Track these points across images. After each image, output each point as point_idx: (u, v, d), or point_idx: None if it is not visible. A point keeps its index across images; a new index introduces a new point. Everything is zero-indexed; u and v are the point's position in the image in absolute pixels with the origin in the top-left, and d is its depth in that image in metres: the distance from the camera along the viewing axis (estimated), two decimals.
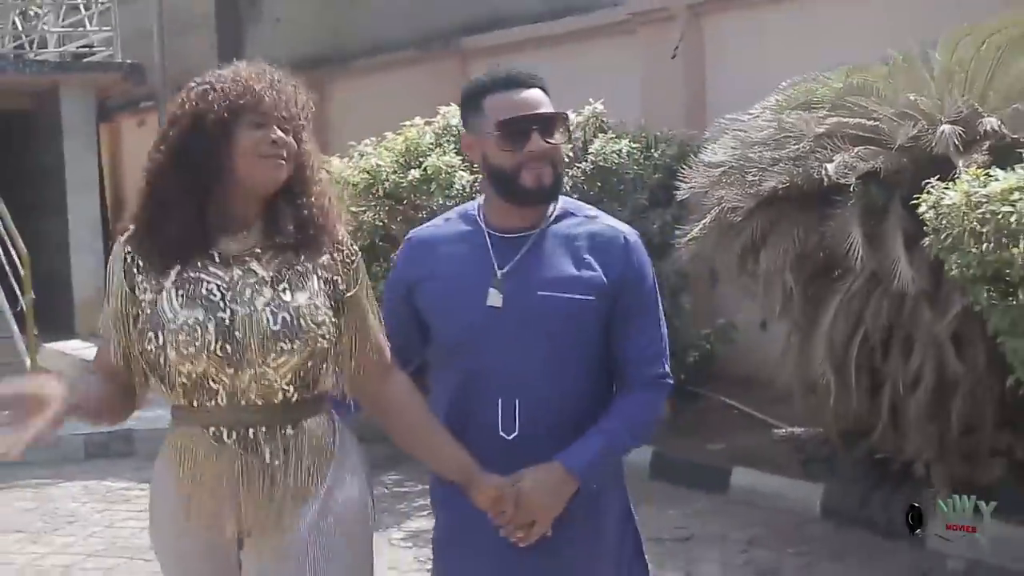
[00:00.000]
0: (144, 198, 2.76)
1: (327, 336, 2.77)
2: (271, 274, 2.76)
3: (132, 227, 2.79)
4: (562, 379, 2.95)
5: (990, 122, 5.37)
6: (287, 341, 2.71)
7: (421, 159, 8.20)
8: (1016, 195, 4.49)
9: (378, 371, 2.90)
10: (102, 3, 16.56)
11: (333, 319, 2.80)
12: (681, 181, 6.43)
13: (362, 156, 8.56)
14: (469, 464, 2.90)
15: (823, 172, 5.59)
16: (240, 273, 2.75)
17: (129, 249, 2.78)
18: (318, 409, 2.84)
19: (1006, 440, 5.88)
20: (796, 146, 5.83)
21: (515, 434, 2.93)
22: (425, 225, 3.21)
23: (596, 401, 2.99)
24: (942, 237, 4.71)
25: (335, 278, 2.82)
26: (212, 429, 2.75)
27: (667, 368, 3.04)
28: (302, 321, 2.73)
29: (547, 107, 2.95)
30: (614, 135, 8.08)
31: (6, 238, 12.61)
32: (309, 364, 2.76)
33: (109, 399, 2.82)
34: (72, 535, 7.02)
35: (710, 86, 9.43)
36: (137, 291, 2.76)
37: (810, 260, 6.00)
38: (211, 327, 2.69)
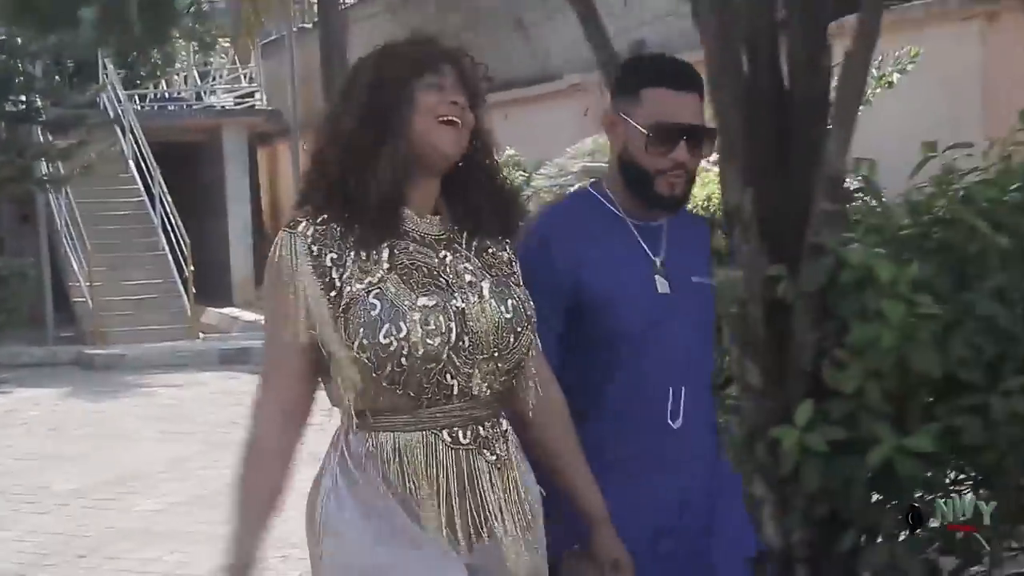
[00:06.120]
0: (333, 169, 2.36)
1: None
2: (477, 259, 2.45)
3: (307, 212, 2.38)
4: (709, 365, 2.92)
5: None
6: (519, 329, 2.42)
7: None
8: None
9: (542, 373, 2.60)
10: (250, 65, 22.96)
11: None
12: None
13: None
14: (603, 512, 2.66)
15: None
16: (449, 256, 2.41)
17: (312, 239, 2.34)
18: None
19: None
20: None
21: (679, 422, 2.79)
22: (550, 210, 2.98)
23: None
24: None
25: (515, 265, 2.54)
26: (447, 432, 2.38)
27: None
28: (525, 307, 2.45)
29: (701, 116, 2.79)
30: None
31: (172, 231, 18.23)
32: (528, 354, 2.48)
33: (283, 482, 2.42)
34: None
35: None
36: (340, 282, 2.32)
37: None
38: (448, 316, 2.33)
